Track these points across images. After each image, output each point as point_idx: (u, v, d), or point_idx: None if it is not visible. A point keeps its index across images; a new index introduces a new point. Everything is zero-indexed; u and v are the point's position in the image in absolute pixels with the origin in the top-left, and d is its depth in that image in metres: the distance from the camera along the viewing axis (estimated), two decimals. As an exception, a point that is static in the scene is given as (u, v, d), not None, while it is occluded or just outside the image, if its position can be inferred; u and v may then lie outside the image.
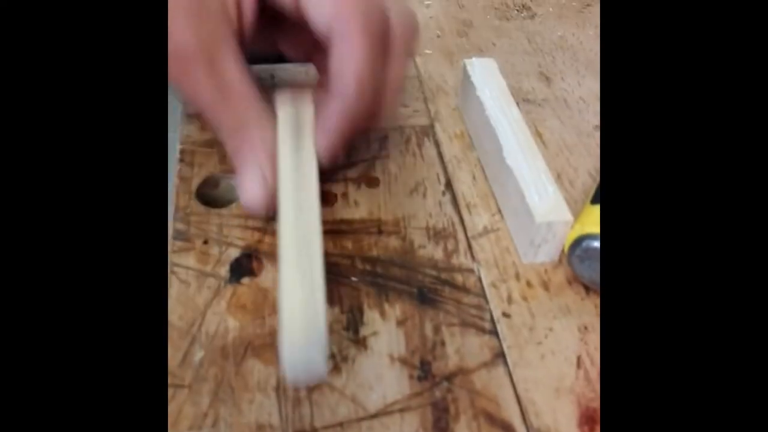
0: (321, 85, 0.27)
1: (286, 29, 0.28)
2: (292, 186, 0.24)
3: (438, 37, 0.41)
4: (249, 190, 0.26)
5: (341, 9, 0.24)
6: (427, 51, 0.40)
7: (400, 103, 0.29)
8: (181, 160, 0.31)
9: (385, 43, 0.24)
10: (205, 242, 0.27)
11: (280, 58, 0.33)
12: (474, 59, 0.33)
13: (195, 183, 0.30)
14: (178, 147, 0.32)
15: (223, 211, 0.29)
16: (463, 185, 0.31)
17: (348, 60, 0.24)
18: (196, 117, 0.33)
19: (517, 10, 0.44)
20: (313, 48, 0.28)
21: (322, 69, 0.29)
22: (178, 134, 0.32)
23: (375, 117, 0.27)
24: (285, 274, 0.22)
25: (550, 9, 0.45)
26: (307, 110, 0.26)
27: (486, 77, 0.32)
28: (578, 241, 0.24)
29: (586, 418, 0.23)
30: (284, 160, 0.25)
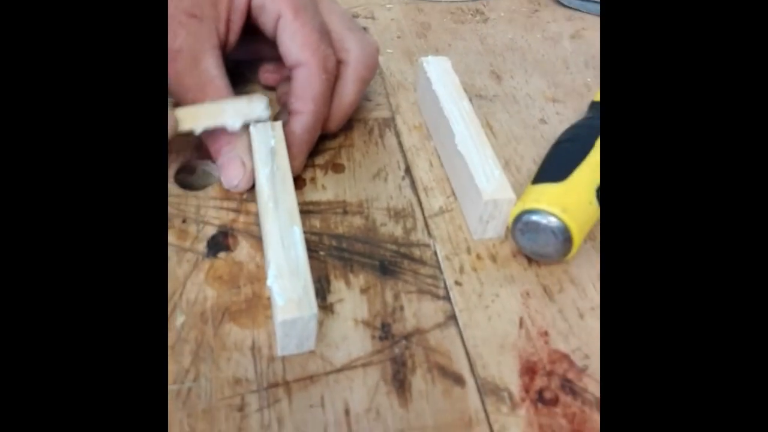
0: (284, 107, 0.33)
1: (269, 43, 0.33)
2: (272, 189, 0.28)
3: (398, 38, 0.45)
4: (231, 173, 0.30)
5: (306, 48, 0.30)
6: (389, 50, 0.43)
7: (351, 113, 0.34)
8: (159, 148, 0.33)
9: (335, 75, 0.32)
10: (184, 221, 0.30)
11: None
12: (430, 57, 0.36)
13: (173, 168, 0.32)
14: (156, 136, 0.34)
15: (200, 193, 0.31)
16: (421, 171, 0.34)
17: (307, 87, 0.31)
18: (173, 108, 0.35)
19: (471, 15, 0.48)
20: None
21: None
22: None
23: (328, 126, 0.33)
24: (273, 259, 0.25)
25: (502, 14, 0.48)
26: (277, 127, 0.31)
27: (440, 74, 0.35)
28: (519, 216, 0.28)
29: (526, 369, 0.26)
30: (262, 166, 0.29)
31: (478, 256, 0.30)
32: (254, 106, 0.30)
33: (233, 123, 0.29)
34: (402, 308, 0.27)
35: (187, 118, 0.28)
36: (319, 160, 0.34)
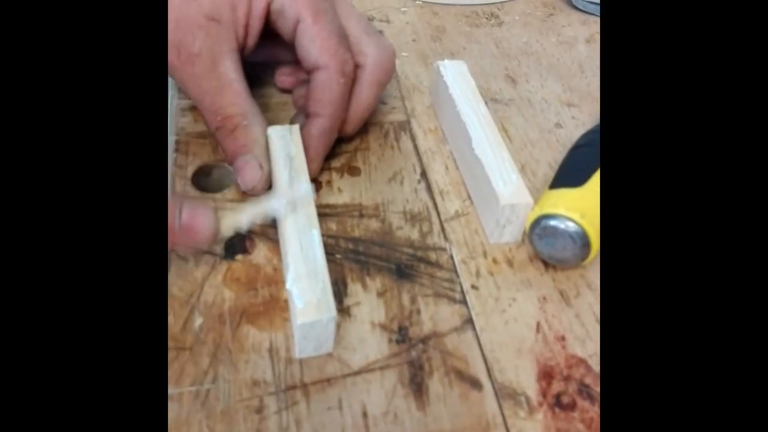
0: (301, 110, 0.33)
1: (285, 47, 0.33)
2: (289, 190, 0.28)
3: (413, 41, 0.45)
4: (248, 175, 0.30)
5: (325, 52, 0.30)
6: (404, 54, 0.43)
7: (368, 117, 0.34)
8: (177, 150, 0.33)
9: (352, 79, 0.32)
10: (202, 223, 0.30)
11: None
12: (446, 61, 0.36)
13: (190, 171, 0.32)
14: (174, 138, 0.34)
15: (217, 195, 0.31)
16: (437, 174, 0.34)
17: (326, 91, 0.31)
18: (190, 110, 0.36)
19: (486, 18, 0.48)
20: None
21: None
22: (173, 127, 0.35)
23: (345, 129, 0.33)
24: (292, 262, 0.25)
25: (517, 17, 0.48)
26: (295, 131, 0.31)
27: (457, 78, 0.35)
28: (537, 221, 0.28)
29: (543, 374, 0.26)
30: (281, 169, 0.29)
31: (495, 260, 0.30)
32: (295, 187, 0.28)
33: (278, 206, 0.27)
34: (419, 312, 0.27)
35: (229, 217, 0.27)
36: (335, 163, 0.34)
